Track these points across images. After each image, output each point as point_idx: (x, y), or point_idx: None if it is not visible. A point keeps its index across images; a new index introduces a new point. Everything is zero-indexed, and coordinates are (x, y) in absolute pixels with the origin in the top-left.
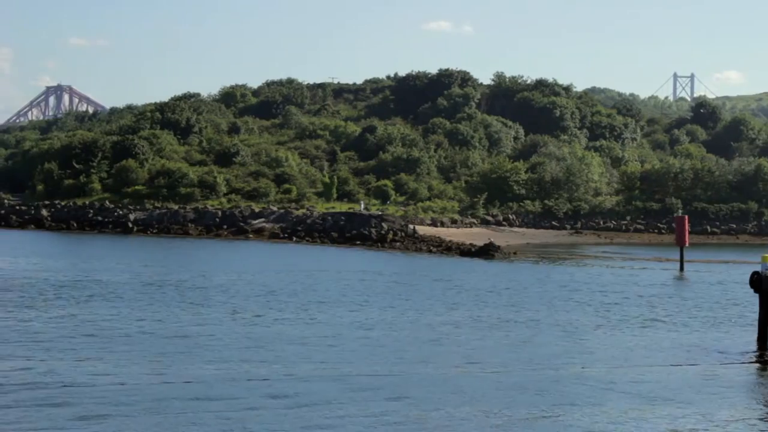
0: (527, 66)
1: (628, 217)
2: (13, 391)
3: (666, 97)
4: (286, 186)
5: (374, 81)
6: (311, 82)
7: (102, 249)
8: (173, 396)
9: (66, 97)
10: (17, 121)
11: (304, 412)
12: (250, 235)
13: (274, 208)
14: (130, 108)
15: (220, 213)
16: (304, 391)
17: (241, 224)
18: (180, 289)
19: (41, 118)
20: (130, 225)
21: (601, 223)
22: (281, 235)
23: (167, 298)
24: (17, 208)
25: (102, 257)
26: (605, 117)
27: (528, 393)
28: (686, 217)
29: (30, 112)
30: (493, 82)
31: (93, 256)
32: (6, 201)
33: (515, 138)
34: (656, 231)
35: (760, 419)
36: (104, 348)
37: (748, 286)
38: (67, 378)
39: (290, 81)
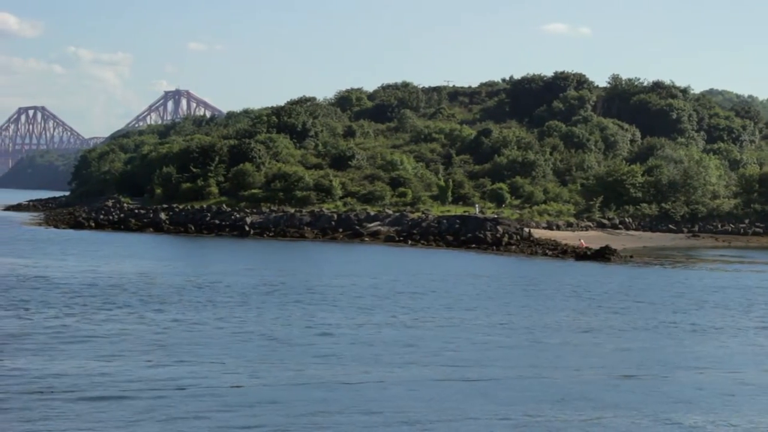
0: (644, 68)
1: (747, 221)
2: (136, 390)
3: None
4: (402, 189)
5: (489, 84)
6: (426, 86)
7: (223, 252)
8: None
9: (184, 102)
10: (136, 125)
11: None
12: (366, 238)
13: (390, 212)
14: (246, 112)
15: (335, 216)
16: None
17: (357, 227)
18: (321, 293)
19: (159, 122)
20: (247, 228)
21: (719, 226)
22: (396, 238)
23: (320, 301)
24: (136, 211)
25: (226, 260)
26: (723, 119)
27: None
28: None
29: (149, 117)
30: (609, 85)
31: (218, 259)
32: (125, 205)
33: (631, 141)
34: None
35: None
36: (246, 349)
37: None
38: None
39: (405, 84)
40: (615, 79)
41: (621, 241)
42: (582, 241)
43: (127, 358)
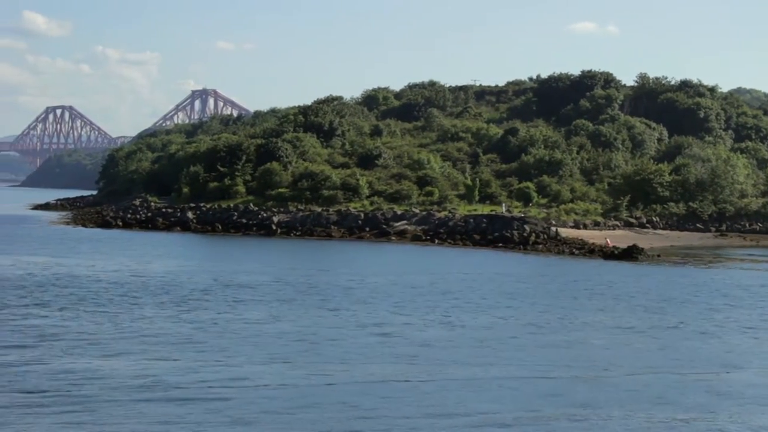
0: (672, 67)
1: None
2: (175, 389)
3: None
4: (428, 188)
5: (516, 83)
6: (453, 85)
7: (253, 251)
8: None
9: (211, 101)
10: (163, 124)
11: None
12: (392, 237)
13: (417, 211)
14: (273, 111)
15: (362, 215)
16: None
17: (384, 226)
18: (357, 292)
19: (187, 121)
20: (274, 227)
21: (747, 225)
22: (423, 237)
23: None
24: (163, 210)
25: (257, 259)
26: (751, 118)
27: None
28: None
29: (176, 116)
30: (636, 84)
31: (248, 258)
32: (152, 204)
33: (659, 140)
34: None
35: None
36: (293, 348)
37: None
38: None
39: (432, 83)
40: (642, 77)
41: (648, 240)
42: (608, 240)
43: (174, 358)
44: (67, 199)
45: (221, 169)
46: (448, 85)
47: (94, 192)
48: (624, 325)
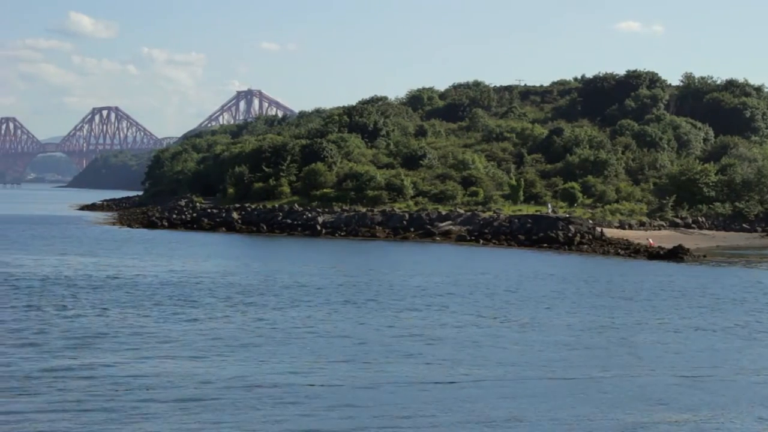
0: (717, 66)
1: None
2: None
3: None
4: (473, 188)
5: (561, 83)
6: (498, 85)
7: (299, 252)
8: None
9: (256, 102)
10: (209, 125)
11: None
12: (437, 238)
13: (461, 211)
14: (318, 112)
15: (407, 216)
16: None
17: (428, 227)
18: (406, 293)
19: (232, 122)
20: (319, 228)
21: None
22: (468, 238)
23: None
24: (209, 211)
25: (304, 260)
26: None
27: None
28: None
29: (221, 117)
30: (682, 83)
31: (296, 258)
32: (198, 204)
33: (704, 139)
34: None
35: None
36: (342, 348)
37: None
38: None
39: (477, 84)
40: (688, 77)
41: (694, 240)
42: (650, 240)
43: (225, 357)
44: (113, 200)
45: (266, 169)
46: (492, 85)
47: (140, 192)
48: (671, 327)
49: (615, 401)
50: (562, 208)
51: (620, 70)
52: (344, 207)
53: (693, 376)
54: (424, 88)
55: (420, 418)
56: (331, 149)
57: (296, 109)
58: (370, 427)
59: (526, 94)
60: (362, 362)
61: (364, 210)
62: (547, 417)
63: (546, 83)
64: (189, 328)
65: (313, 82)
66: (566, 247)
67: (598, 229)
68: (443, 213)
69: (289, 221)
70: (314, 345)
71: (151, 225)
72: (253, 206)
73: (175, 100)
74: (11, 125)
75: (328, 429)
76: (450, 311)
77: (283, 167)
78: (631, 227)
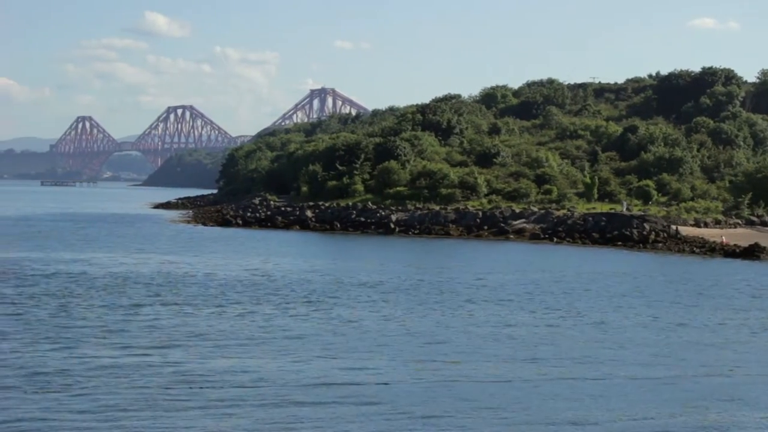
0: None
1: None
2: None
3: None
4: (547, 186)
5: (636, 80)
6: (572, 83)
7: (374, 250)
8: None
9: (329, 100)
10: (282, 123)
11: None
12: (511, 236)
13: (535, 209)
14: (391, 110)
15: (480, 214)
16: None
17: (502, 225)
18: (488, 291)
19: (305, 120)
20: (392, 226)
21: None
22: (542, 236)
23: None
24: (283, 209)
25: (382, 258)
26: None
27: None
28: None
29: (295, 115)
30: (758, 80)
31: (373, 256)
32: (272, 202)
33: None
34: None
35: None
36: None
37: None
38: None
39: (551, 81)
40: (764, 74)
41: None
42: (723, 237)
43: (313, 357)
44: (188, 198)
45: (340, 167)
46: (566, 83)
47: (214, 191)
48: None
49: (697, 399)
50: (636, 206)
51: (695, 67)
52: (417, 205)
53: None
54: (497, 86)
55: (504, 414)
56: (404, 147)
57: (369, 108)
58: (449, 428)
59: (600, 91)
60: (442, 361)
61: (437, 208)
62: (627, 416)
63: (620, 81)
64: (281, 324)
65: (387, 80)
66: (641, 245)
67: (673, 227)
68: (517, 211)
69: (362, 219)
70: (395, 344)
71: (225, 223)
72: (326, 204)
73: (249, 99)
74: (87, 124)
75: (407, 429)
76: (528, 310)
77: (357, 165)
78: (706, 225)
